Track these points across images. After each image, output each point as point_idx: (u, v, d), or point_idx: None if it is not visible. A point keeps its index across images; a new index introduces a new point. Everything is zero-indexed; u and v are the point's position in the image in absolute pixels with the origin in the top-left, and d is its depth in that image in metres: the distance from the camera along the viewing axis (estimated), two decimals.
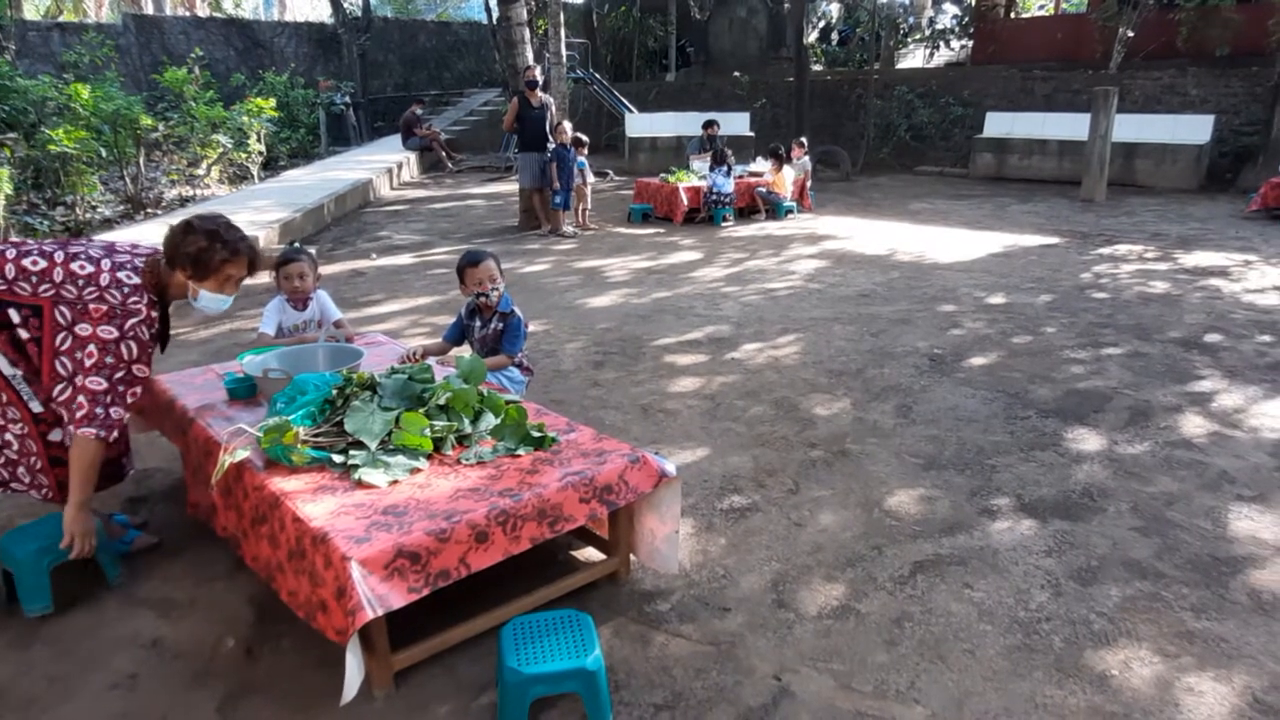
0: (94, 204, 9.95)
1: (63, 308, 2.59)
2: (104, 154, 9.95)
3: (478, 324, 3.75)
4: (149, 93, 15.26)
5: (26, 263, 2.60)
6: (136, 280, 2.66)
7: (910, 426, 4.18)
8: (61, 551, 2.68)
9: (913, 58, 22.47)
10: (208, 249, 2.73)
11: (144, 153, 10.85)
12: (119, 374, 2.60)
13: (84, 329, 2.57)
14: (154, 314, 2.71)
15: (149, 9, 25.19)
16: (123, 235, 8.57)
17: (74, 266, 2.61)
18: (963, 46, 19.95)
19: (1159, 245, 8.81)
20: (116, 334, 2.58)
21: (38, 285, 2.59)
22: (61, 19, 22.98)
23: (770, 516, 3.30)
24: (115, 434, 2.63)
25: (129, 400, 2.67)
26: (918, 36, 21.43)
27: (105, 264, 2.64)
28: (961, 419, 4.27)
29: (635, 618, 2.65)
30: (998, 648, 2.50)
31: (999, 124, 14.97)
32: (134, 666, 2.47)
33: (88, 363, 2.57)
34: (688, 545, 3.06)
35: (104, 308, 2.58)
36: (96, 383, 2.57)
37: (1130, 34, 14.59)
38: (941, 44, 20.40)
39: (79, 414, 2.56)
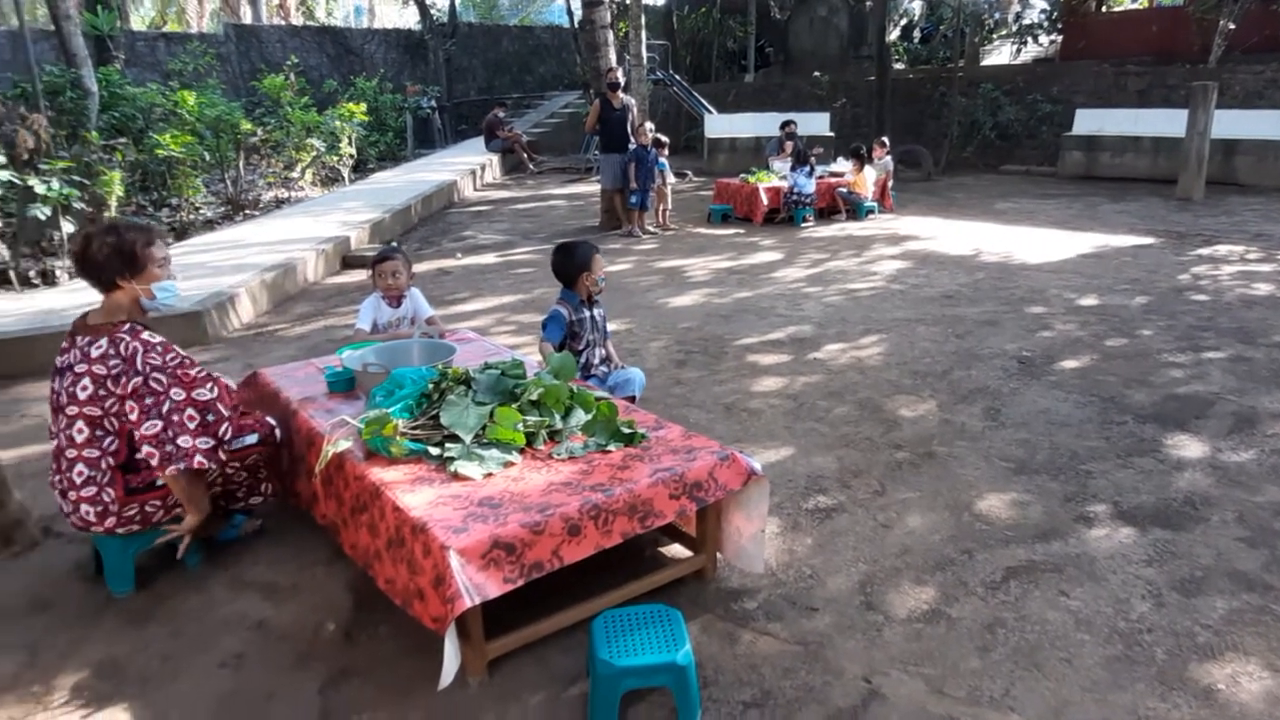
0: (197, 206, 10.44)
1: (108, 405, 2.67)
2: (207, 158, 10.43)
3: (588, 315, 3.82)
4: (247, 99, 15.95)
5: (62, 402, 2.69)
6: (103, 335, 2.67)
7: (999, 430, 4.08)
8: (147, 539, 2.85)
9: (998, 54, 21.86)
10: (118, 241, 2.69)
11: (243, 156, 11.34)
12: (165, 407, 2.67)
13: (114, 404, 2.66)
14: (151, 339, 2.71)
15: (247, 19, 26.30)
16: (223, 236, 8.98)
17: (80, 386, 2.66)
18: (1051, 42, 19.31)
19: (1262, 246, 8.37)
20: (139, 379, 2.64)
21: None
22: (166, 29, 24.20)
23: (856, 517, 3.27)
24: (201, 459, 2.69)
25: (191, 426, 2.71)
26: (1003, 32, 20.84)
27: (82, 366, 2.66)
28: (1054, 423, 4.15)
29: (722, 615, 2.66)
30: (1096, 658, 2.43)
31: (1089, 121, 14.43)
32: (241, 647, 2.58)
33: (133, 417, 2.66)
34: (773, 544, 3.05)
35: (111, 373, 2.63)
36: (151, 426, 2.65)
37: (1231, 26, 13.90)
38: (1029, 40, 19.75)
39: (154, 462, 2.68)
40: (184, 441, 2.69)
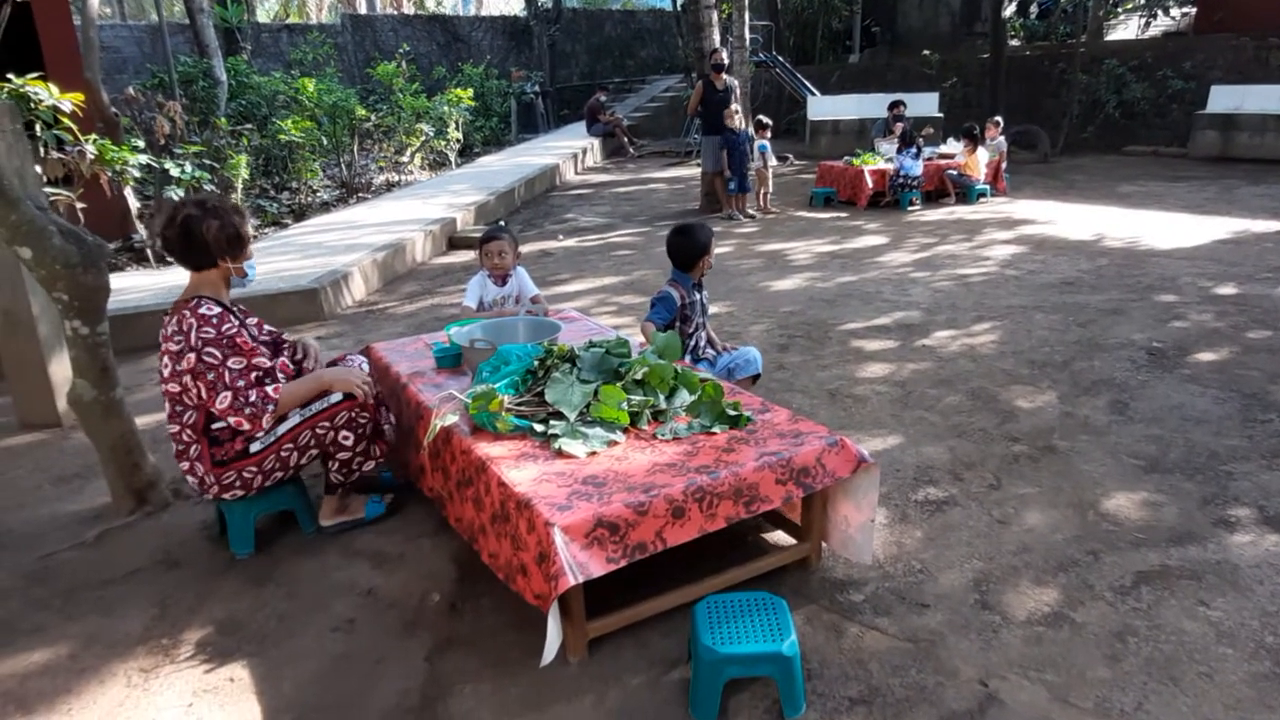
0: (314, 189, 10.87)
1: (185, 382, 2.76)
2: (324, 143, 10.85)
3: (698, 298, 3.76)
4: (362, 86, 16.52)
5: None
6: (175, 314, 2.75)
7: (1127, 425, 3.83)
8: (267, 504, 2.97)
9: (1124, 29, 20.56)
10: (223, 224, 2.76)
11: (357, 141, 11.74)
12: (228, 375, 2.71)
13: (186, 379, 2.74)
14: (208, 313, 2.74)
15: (362, 9, 27.23)
16: (337, 217, 9.32)
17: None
18: (1184, 14, 17.99)
19: None
20: (193, 355, 2.68)
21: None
22: (288, 21, 25.29)
23: (970, 511, 3.12)
24: (273, 402, 2.75)
25: (254, 377, 2.76)
26: (1130, 5, 19.54)
27: (163, 345, 2.76)
28: (1188, 419, 3.86)
29: (828, 606, 2.58)
30: (1241, 674, 2.24)
31: (1226, 98, 13.40)
32: (352, 612, 2.65)
33: (205, 395, 2.72)
34: (880, 536, 2.94)
35: (177, 349, 2.71)
36: (223, 400, 2.70)
37: None
38: (1159, 12, 18.46)
39: (245, 428, 2.76)
40: (254, 395, 2.72)
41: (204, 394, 2.71)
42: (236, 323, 2.78)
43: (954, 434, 3.79)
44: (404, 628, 2.57)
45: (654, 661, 2.36)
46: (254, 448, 2.84)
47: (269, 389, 2.77)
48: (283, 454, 2.90)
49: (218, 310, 2.75)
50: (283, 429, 2.87)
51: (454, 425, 2.71)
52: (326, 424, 2.93)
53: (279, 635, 2.56)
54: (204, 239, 2.73)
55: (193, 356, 2.68)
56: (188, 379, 2.72)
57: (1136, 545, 2.86)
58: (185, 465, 2.84)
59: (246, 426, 2.75)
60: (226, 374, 2.71)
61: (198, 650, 2.49)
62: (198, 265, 2.80)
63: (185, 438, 2.82)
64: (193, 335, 2.68)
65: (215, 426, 2.81)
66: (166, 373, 2.76)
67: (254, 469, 2.86)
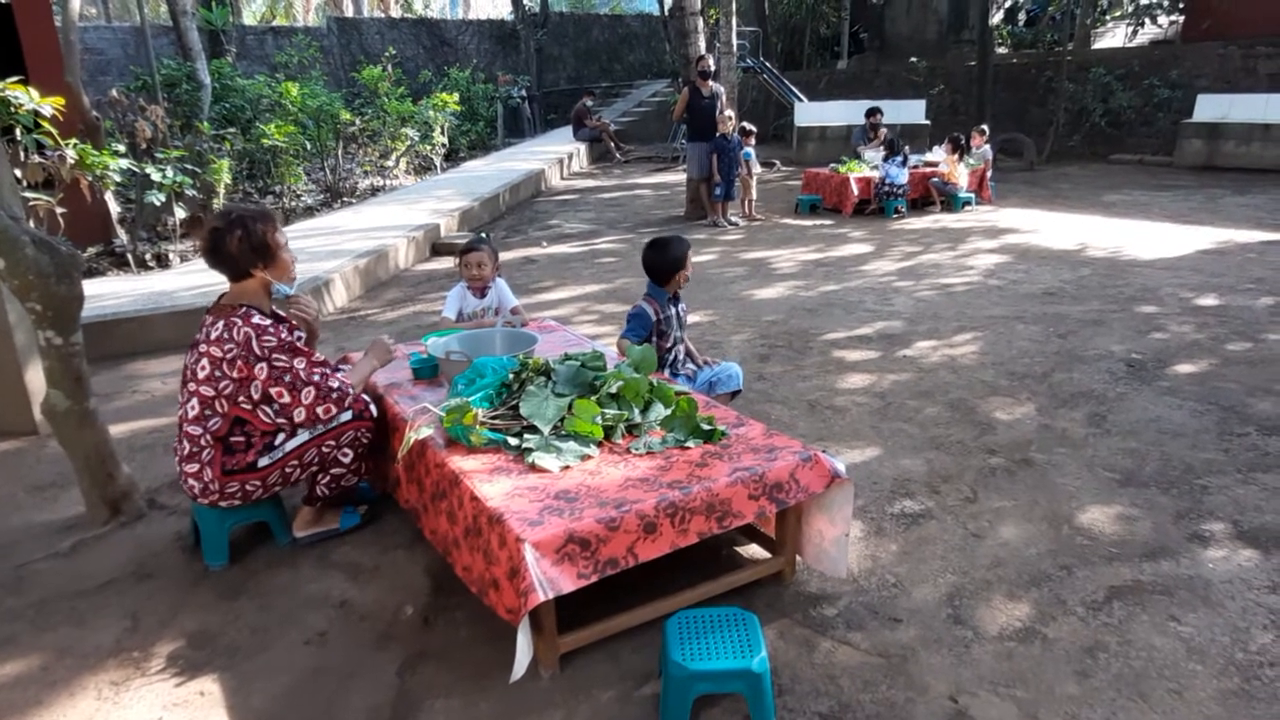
0: (298, 193, 10.82)
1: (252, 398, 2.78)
2: (308, 147, 10.80)
3: (674, 311, 3.73)
4: (348, 89, 16.47)
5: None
6: (223, 318, 2.76)
7: (1104, 437, 3.85)
8: (241, 515, 2.96)
9: (1112, 37, 20.73)
10: (247, 234, 2.75)
11: (342, 145, 11.69)
12: (302, 373, 2.78)
13: (227, 387, 2.75)
14: (262, 321, 2.77)
15: (349, 12, 27.16)
16: (321, 222, 9.28)
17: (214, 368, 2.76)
18: (1172, 22, 18.12)
19: None
20: (264, 365, 2.72)
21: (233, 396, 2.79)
22: (274, 23, 25.21)
23: (945, 525, 3.13)
24: (350, 386, 2.91)
25: (327, 370, 2.88)
26: (1118, 13, 19.69)
27: (204, 346, 2.76)
28: (1165, 432, 3.89)
29: (800, 621, 2.58)
30: (1210, 691, 2.25)
31: (1212, 107, 13.50)
32: (325, 624, 2.64)
33: (287, 399, 2.77)
34: (855, 550, 2.95)
35: (226, 356, 2.71)
36: (308, 394, 2.78)
37: None
38: (1146, 20, 18.60)
39: (335, 411, 2.85)
40: (335, 382, 2.84)
41: (288, 399, 2.76)
42: (281, 337, 2.81)
43: (932, 446, 3.80)
44: (377, 641, 2.56)
45: (625, 676, 2.36)
46: (262, 462, 2.84)
47: (339, 376, 2.88)
48: (287, 470, 2.90)
49: (270, 320, 2.80)
50: (291, 445, 2.87)
51: (428, 438, 2.70)
52: (332, 442, 2.95)
53: (251, 648, 2.54)
54: (229, 252, 2.75)
55: (264, 366, 2.72)
56: (272, 389, 2.74)
57: (1109, 560, 2.87)
58: (194, 468, 2.82)
59: (335, 411, 2.84)
60: (301, 372, 2.77)
61: (169, 663, 2.48)
62: (234, 276, 2.83)
63: (204, 441, 2.82)
64: (254, 344, 2.70)
65: (233, 439, 2.83)
66: (203, 375, 2.76)
67: (257, 482, 2.87)
